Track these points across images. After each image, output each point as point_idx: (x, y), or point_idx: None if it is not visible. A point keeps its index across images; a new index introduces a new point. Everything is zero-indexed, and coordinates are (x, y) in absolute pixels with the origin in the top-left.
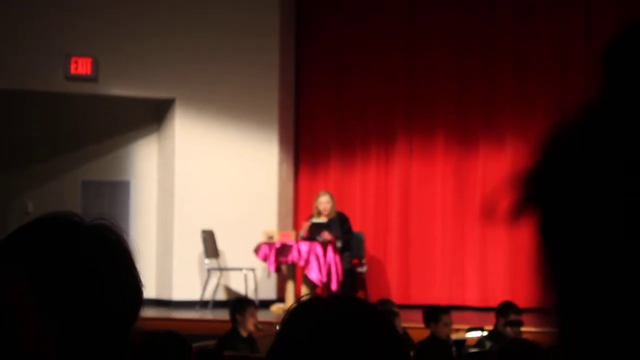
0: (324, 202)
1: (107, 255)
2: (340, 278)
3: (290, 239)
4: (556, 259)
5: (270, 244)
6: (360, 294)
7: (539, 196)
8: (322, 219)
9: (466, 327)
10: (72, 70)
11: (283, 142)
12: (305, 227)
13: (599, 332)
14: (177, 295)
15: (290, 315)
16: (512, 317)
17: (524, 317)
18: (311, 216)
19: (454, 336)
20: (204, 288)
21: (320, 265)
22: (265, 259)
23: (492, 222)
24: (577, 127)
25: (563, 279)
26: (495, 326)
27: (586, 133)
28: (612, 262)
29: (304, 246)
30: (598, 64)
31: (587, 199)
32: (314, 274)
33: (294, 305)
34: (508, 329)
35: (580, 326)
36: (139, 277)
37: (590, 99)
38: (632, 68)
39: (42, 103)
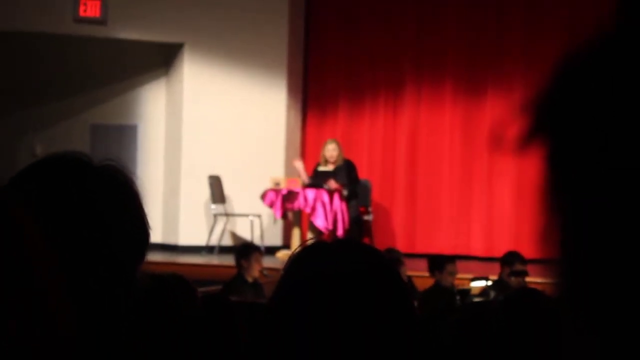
0: (331, 149)
1: (115, 196)
2: (347, 226)
3: (297, 186)
4: (563, 193)
5: (276, 191)
6: (366, 242)
7: (549, 124)
8: (329, 167)
9: (471, 276)
10: (81, 13)
11: (291, 89)
12: (299, 170)
13: (606, 276)
14: (184, 240)
15: (295, 260)
16: (518, 267)
17: (529, 268)
18: (318, 164)
19: (459, 286)
20: (210, 233)
21: (327, 213)
22: (271, 205)
23: (500, 151)
24: (589, 55)
25: (571, 215)
26: (500, 276)
27: (598, 60)
28: (623, 197)
29: (311, 193)
30: None
31: (598, 127)
32: (320, 221)
33: (298, 249)
34: (513, 279)
35: (587, 269)
36: (146, 219)
37: (603, 28)
38: None
39: (51, 45)
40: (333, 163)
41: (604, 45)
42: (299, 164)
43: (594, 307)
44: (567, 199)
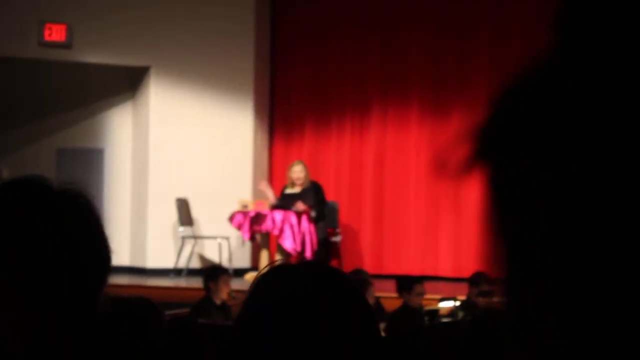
0: (297, 171)
1: (75, 220)
2: (315, 247)
3: (264, 208)
4: (505, 217)
5: (244, 213)
6: (334, 264)
7: (489, 150)
8: (296, 189)
9: (439, 297)
10: (46, 37)
11: (258, 111)
12: (266, 192)
13: (550, 297)
14: (151, 262)
15: (260, 282)
16: (485, 287)
17: (496, 287)
18: (285, 186)
19: (427, 306)
20: (178, 256)
21: (295, 235)
22: (239, 227)
23: (443, 176)
24: (528, 81)
25: (511, 238)
26: (468, 296)
27: (537, 87)
28: (562, 219)
29: (279, 215)
30: (551, 19)
31: (536, 153)
32: (288, 243)
33: (264, 271)
34: (480, 299)
35: (530, 290)
36: (107, 242)
37: (541, 54)
38: (583, 22)
39: (17, 69)
40: (300, 185)
41: (544, 72)
42: (264, 186)
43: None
44: (506, 222)
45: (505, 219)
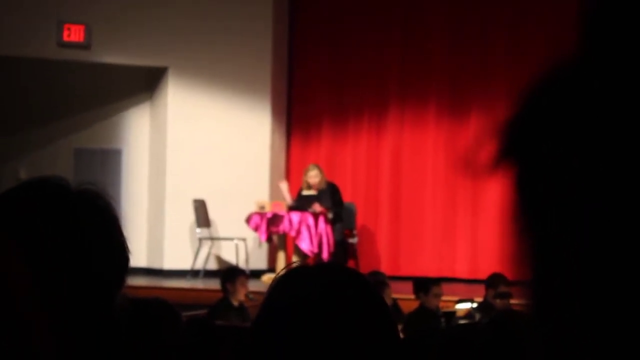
0: (313, 175)
1: (94, 221)
2: (332, 249)
3: (281, 209)
4: (531, 216)
5: (261, 214)
6: (351, 265)
7: (516, 148)
8: (312, 192)
9: (456, 298)
10: (65, 37)
11: (275, 112)
12: (283, 191)
13: (575, 298)
14: (168, 264)
15: (277, 284)
16: (502, 288)
17: (514, 289)
18: (301, 189)
19: (444, 308)
20: (195, 257)
21: (312, 236)
22: (256, 228)
23: (468, 174)
24: (556, 80)
25: (538, 238)
26: (485, 298)
27: (564, 86)
28: (590, 218)
29: (296, 216)
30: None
31: (564, 151)
32: (305, 245)
33: (282, 273)
34: (498, 301)
35: (555, 291)
36: (126, 243)
37: (571, 53)
38: (611, 23)
39: (35, 70)
40: (316, 188)
41: (571, 71)
42: (283, 185)
43: (559, 326)
44: (532, 221)
45: (532, 217)
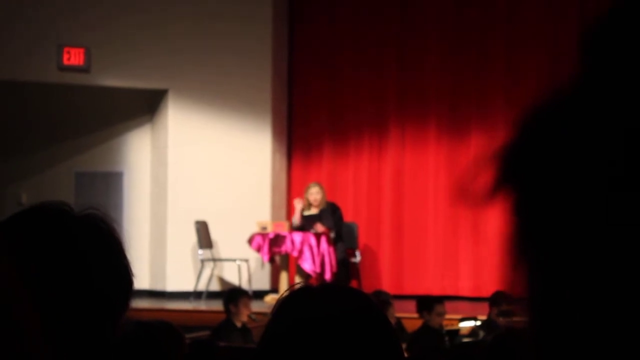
0: (314, 192)
1: (97, 245)
2: (334, 269)
3: (283, 230)
4: (529, 243)
5: (263, 235)
6: (354, 284)
7: (514, 175)
8: (314, 211)
9: (459, 317)
10: (65, 61)
11: (276, 133)
12: (297, 209)
13: (574, 321)
14: (171, 286)
15: (282, 305)
16: (505, 306)
17: (516, 307)
18: (303, 208)
19: (447, 326)
20: (198, 279)
21: (314, 256)
22: (258, 249)
23: (465, 203)
24: (555, 105)
25: (536, 265)
26: (489, 316)
27: (565, 110)
28: (591, 246)
29: (298, 236)
30: (579, 44)
31: (564, 178)
32: (307, 265)
33: (285, 294)
34: (501, 319)
35: (553, 315)
36: (129, 267)
37: (570, 78)
38: (612, 48)
39: (36, 93)
40: (317, 206)
41: (571, 96)
42: (298, 204)
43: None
44: (531, 248)
45: (529, 245)
